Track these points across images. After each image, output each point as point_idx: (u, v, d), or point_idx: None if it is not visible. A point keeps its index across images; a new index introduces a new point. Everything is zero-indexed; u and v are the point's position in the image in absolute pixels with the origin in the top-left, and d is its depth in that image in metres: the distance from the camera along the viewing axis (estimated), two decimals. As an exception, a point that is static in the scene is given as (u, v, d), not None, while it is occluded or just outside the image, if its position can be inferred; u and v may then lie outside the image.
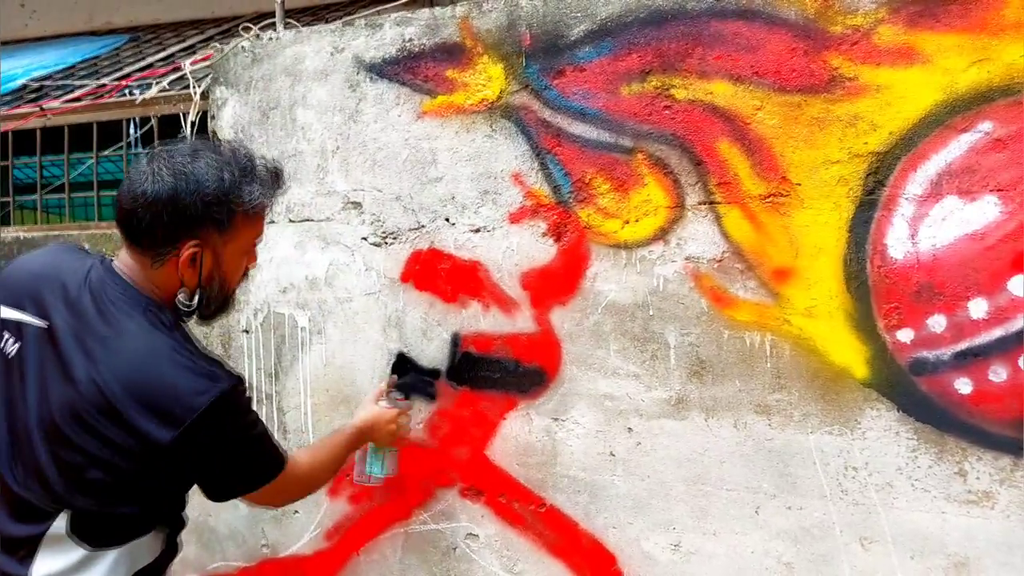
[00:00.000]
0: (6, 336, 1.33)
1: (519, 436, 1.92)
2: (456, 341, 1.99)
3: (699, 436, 1.75)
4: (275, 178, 1.40)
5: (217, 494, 1.38)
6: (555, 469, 1.89)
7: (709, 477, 1.74)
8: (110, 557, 1.30)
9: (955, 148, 1.54)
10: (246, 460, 1.37)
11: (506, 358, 1.93)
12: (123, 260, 1.35)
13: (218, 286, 1.38)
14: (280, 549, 2.17)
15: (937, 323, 1.55)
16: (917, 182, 1.57)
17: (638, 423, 1.80)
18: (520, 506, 1.92)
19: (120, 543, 1.31)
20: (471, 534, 1.98)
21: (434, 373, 1.99)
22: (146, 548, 1.35)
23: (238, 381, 1.31)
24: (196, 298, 1.35)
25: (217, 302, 1.40)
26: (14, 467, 1.30)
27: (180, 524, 1.44)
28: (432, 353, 2.00)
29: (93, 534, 1.29)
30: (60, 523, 1.28)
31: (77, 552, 1.28)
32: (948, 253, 1.54)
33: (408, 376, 2.00)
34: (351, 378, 2.09)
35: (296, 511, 2.15)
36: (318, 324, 2.13)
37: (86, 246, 2.44)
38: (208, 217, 1.29)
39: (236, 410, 1.31)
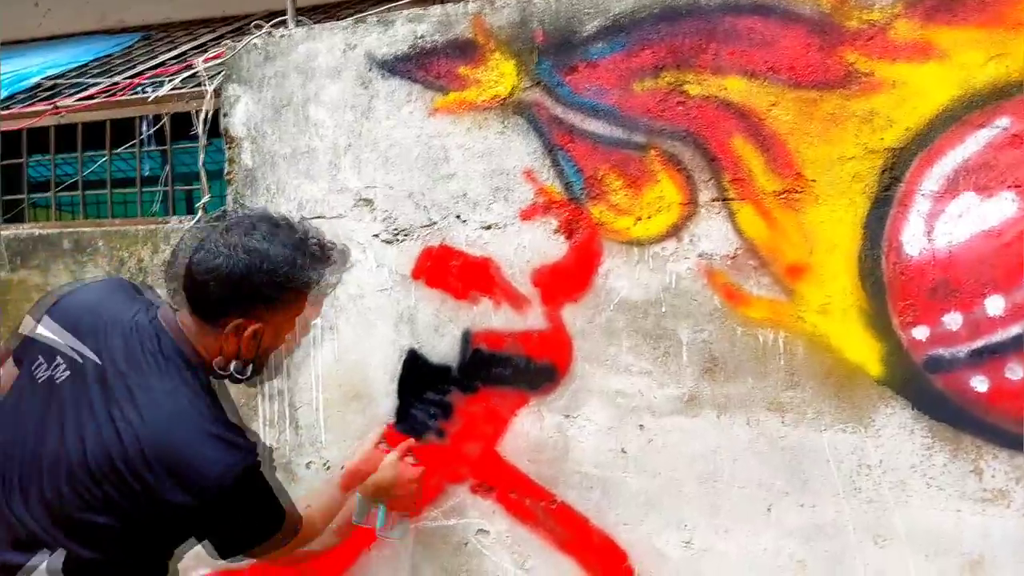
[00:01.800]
0: (57, 361, 1.33)
1: (530, 433, 1.92)
2: (467, 338, 1.99)
3: (711, 434, 1.74)
4: (343, 259, 1.47)
5: (226, 553, 1.40)
6: (566, 466, 1.89)
7: (721, 475, 1.74)
8: None
9: (972, 144, 1.52)
10: (253, 523, 1.40)
11: (517, 355, 1.93)
12: (180, 318, 1.37)
13: (261, 356, 1.43)
14: (292, 545, 2.18)
15: (953, 320, 1.54)
16: (933, 178, 1.55)
17: (650, 420, 1.80)
18: (531, 502, 1.92)
19: None
20: (482, 530, 1.98)
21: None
22: None
23: (256, 452, 1.35)
24: (248, 367, 1.40)
25: (254, 369, 1.45)
26: (26, 493, 1.30)
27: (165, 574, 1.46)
28: (444, 349, 2.00)
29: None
30: (56, 559, 1.27)
31: None
32: (965, 250, 1.53)
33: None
34: (363, 374, 2.09)
35: (308, 506, 2.15)
36: (330, 320, 2.13)
37: (100, 243, 2.46)
38: (276, 299, 1.34)
39: (252, 481, 1.34)
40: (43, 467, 1.29)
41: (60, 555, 1.27)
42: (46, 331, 1.36)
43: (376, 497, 1.76)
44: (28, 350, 1.38)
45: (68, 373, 1.32)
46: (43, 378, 1.33)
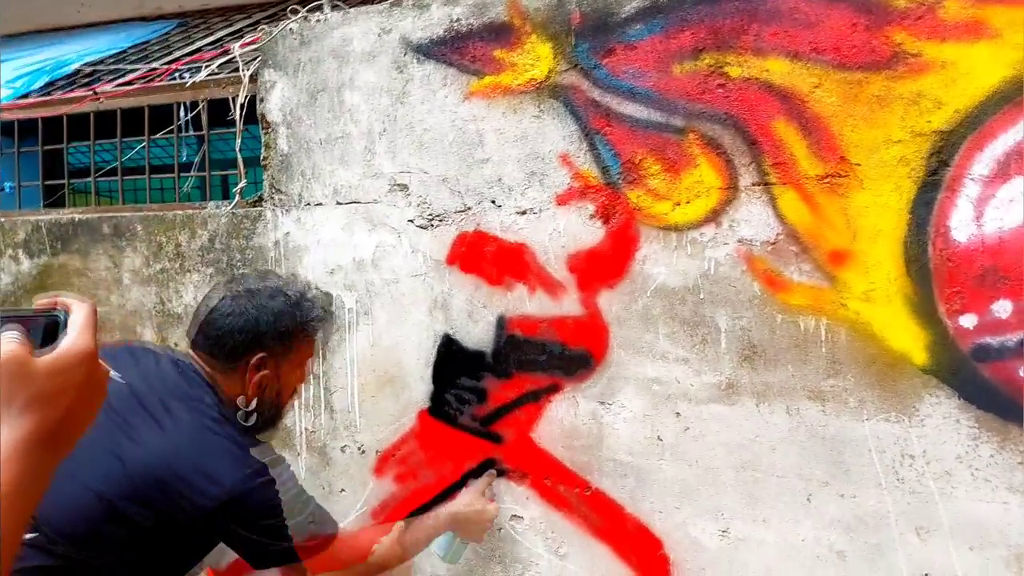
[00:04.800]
0: None
1: (565, 419, 1.91)
2: (502, 323, 1.98)
3: (750, 422, 1.72)
4: (327, 315, 1.67)
5: (255, 562, 1.51)
6: (601, 453, 1.88)
7: (760, 464, 1.71)
8: None
9: (1025, 126, 1.47)
10: (271, 537, 1.48)
11: (552, 341, 1.92)
12: (204, 362, 1.54)
13: (273, 398, 1.58)
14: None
15: (1002, 308, 1.50)
16: (983, 162, 1.51)
17: (687, 408, 1.78)
18: (565, 489, 1.92)
19: None
20: (516, 516, 1.98)
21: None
22: None
23: (271, 479, 1.47)
24: (253, 405, 1.55)
25: (269, 414, 1.59)
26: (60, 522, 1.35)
27: None
28: (478, 335, 2.00)
29: None
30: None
31: None
32: (1015, 236, 1.49)
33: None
34: (397, 359, 2.10)
35: (343, 489, 2.17)
36: (365, 305, 2.14)
37: (138, 227, 2.49)
38: (276, 342, 1.54)
39: (268, 497, 1.45)
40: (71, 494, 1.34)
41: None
42: None
43: (452, 528, 1.85)
44: None
45: None
46: None
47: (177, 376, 1.50)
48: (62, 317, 0.71)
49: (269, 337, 1.53)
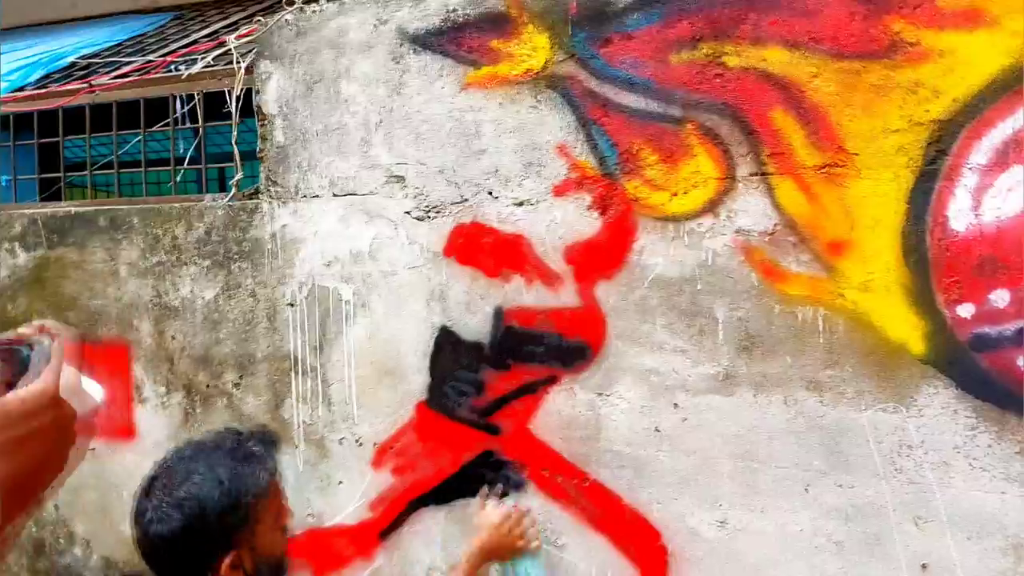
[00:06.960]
0: None
1: (563, 410, 1.91)
2: (499, 315, 1.98)
3: (747, 412, 1.72)
4: (271, 444, 1.36)
5: None
6: (599, 444, 1.88)
7: (757, 454, 1.71)
8: None
9: (1023, 115, 1.47)
10: None
11: (550, 332, 1.92)
12: None
13: (267, 568, 1.30)
14: (325, 519, 2.20)
15: (1000, 297, 1.50)
16: (982, 151, 1.51)
17: (684, 399, 1.78)
18: (563, 480, 1.92)
19: None
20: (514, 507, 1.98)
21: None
22: None
23: None
24: None
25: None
26: None
27: None
28: (475, 327, 2.00)
29: None
30: None
31: None
32: (1013, 225, 1.48)
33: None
34: (395, 350, 2.09)
35: (341, 481, 2.17)
36: (362, 297, 2.13)
37: (135, 220, 2.48)
38: (229, 526, 1.23)
39: None
40: None
41: None
42: None
43: (495, 558, 1.74)
44: None
45: None
46: None
47: None
48: (25, 353, 0.64)
49: (228, 531, 1.21)
